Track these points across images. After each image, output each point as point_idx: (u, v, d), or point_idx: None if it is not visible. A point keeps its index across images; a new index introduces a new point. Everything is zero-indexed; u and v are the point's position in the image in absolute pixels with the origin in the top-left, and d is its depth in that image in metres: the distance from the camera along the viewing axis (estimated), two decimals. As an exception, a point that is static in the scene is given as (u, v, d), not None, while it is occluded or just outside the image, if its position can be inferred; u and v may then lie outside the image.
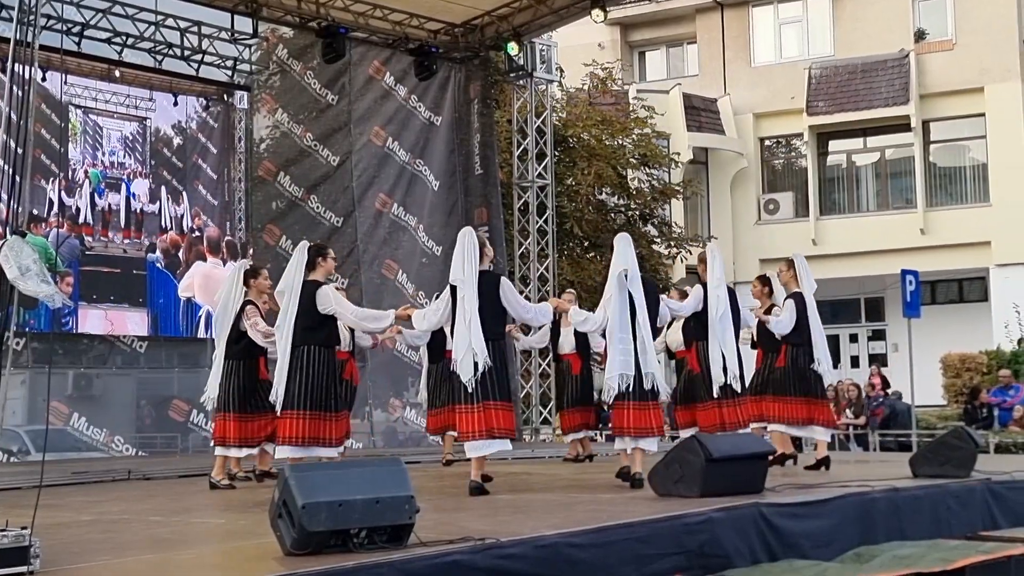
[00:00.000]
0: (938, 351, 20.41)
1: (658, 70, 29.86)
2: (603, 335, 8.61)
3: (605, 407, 11.39)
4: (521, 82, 17.62)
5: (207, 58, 15.78)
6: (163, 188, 15.32)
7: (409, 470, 5.45)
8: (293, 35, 16.22)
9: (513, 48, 16.89)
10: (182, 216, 15.48)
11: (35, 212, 13.66)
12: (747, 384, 9.64)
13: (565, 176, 20.77)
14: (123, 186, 14.96)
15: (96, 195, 14.65)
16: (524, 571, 5.13)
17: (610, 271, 8.49)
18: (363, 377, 12.93)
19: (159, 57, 15.43)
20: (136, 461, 13.51)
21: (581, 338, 11.06)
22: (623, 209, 22.61)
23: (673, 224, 23.55)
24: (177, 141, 15.57)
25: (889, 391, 18.21)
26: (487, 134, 17.46)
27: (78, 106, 14.51)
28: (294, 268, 8.49)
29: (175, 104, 15.48)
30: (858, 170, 27.07)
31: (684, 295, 10.00)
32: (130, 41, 15.07)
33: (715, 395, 9.27)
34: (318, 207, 16.32)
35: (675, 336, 10.22)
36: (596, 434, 17.07)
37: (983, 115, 25.10)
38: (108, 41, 14.89)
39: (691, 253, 22.04)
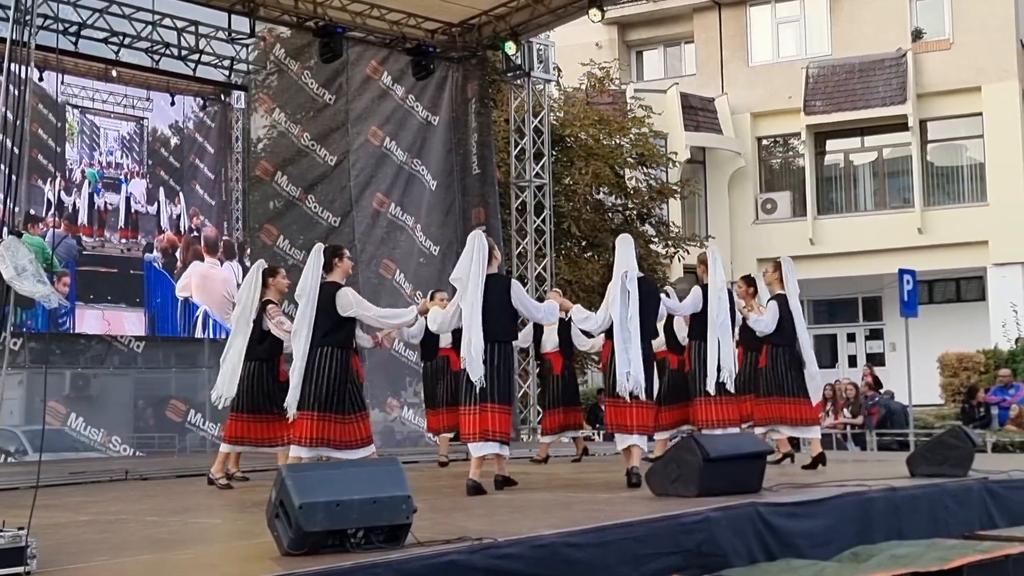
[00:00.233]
0: (936, 350, 20.43)
1: (655, 69, 29.87)
2: (607, 335, 8.69)
3: (602, 406, 11.35)
4: (519, 81, 17.63)
5: (204, 58, 15.77)
6: (160, 188, 15.31)
7: (406, 470, 5.45)
8: (290, 35, 16.21)
9: (510, 48, 16.89)
10: (179, 216, 15.46)
11: (32, 212, 13.64)
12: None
13: (563, 176, 20.78)
14: (120, 186, 14.94)
15: (93, 195, 14.64)
16: (521, 571, 5.13)
17: (614, 272, 8.60)
18: (362, 377, 12.95)
19: (156, 57, 15.41)
20: (133, 461, 13.50)
21: (564, 337, 11.05)
22: (621, 208, 22.61)
23: (671, 224, 23.56)
24: (174, 141, 15.55)
25: (881, 391, 18.21)
26: (485, 134, 17.46)
27: (75, 106, 14.50)
28: (311, 270, 8.48)
29: (172, 104, 15.46)
30: (855, 169, 27.09)
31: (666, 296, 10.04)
32: (127, 41, 15.05)
33: (712, 393, 9.35)
34: (315, 207, 16.32)
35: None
36: (594, 433, 17.10)
37: (980, 114, 25.13)
38: (105, 41, 14.87)
39: (688, 253, 22.04)
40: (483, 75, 17.62)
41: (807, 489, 7.37)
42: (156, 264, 15.14)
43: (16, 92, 9.39)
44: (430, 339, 10.97)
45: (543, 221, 17.46)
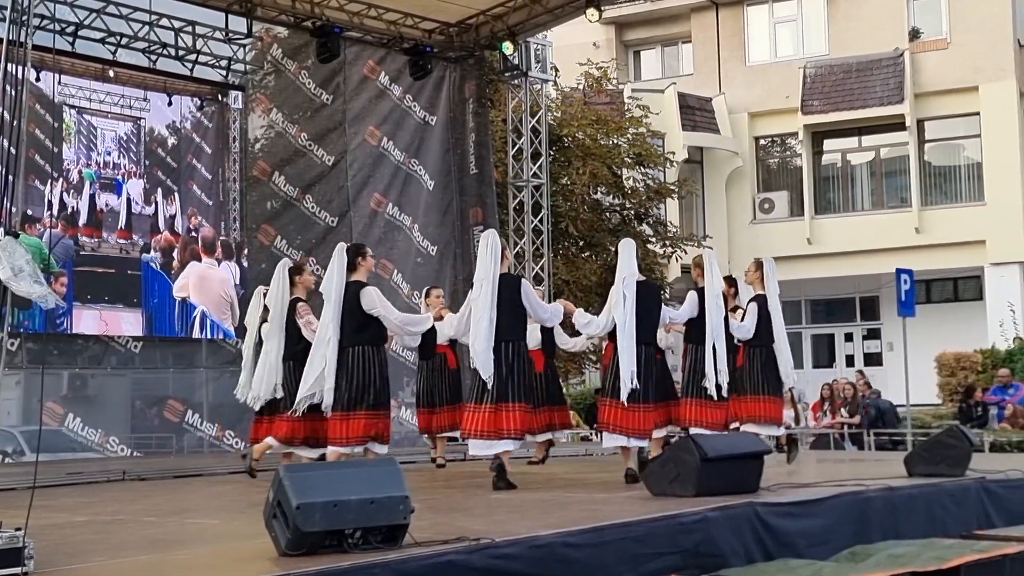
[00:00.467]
0: (933, 350, 20.45)
1: (653, 69, 29.89)
2: (609, 336, 8.84)
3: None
4: (516, 81, 17.62)
5: (201, 58, 15.75)
6: (158, 188, 15.29)
7: (404, 470, 5.45)
8: (287, 35, 16.20)
9: (508, 47, 16.87)
10: (177, 216, 15.45)
11: (29, 213, 13.62)
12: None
13: (560, 175, 20.78)
14: (117, 186, 14.93)
15: (90, 195, 14.62)
16: (519, 571, 5.13)
17: (616, 275, 8.74)
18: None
19: (153, 57, 15.40)
20: (131, 462, 13.49)
21: (547, 335, 11.06)
22: (618, 208, 22.62)
23: (668, 223, 23.57)
24: (171, 141, 15.54)
25: (868, 391, 18.22)
26: (482, 134, 17.45)
27: (72, 106, 14.48)
28: (335, 270, 8.52)
29: (169, 104, 15.45)
30: (853, 169, 27.11)
31: None
32: (124, 41, 15.03)
33: (714, 396, 9.44)
34: (313, 207, 16.31)
35: None
36: (592, 433, 17.10)
37: (977, 114, 25.16)
38: (102, 41, 14.85)
39: (686, 252, 22.06)
40: (480, 75, 17.61)
41: (805, 489, 7.38)
42: (153, 264, 15.12)
43: (13, 92, 9.37)
44: (427, 336, 10.96)
45: (540, 221, 17.45)
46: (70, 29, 14.38)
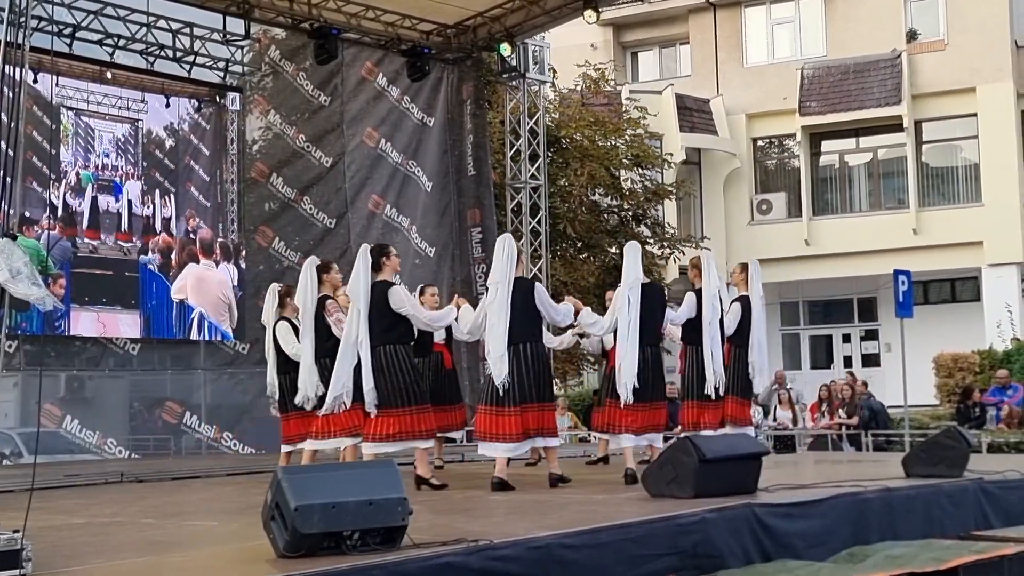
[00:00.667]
0: (931, 351, 20.46)
1: (651, 71, 29.90)
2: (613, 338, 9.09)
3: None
4: (514, 83, 17.62)
5: (199, 59, 15.75)
6: (155, 190, 15.28)
7: (402, 471, 5.45)
8: (285, 36, 16.20)
9: (506, 49, 16.88)
10: (174, 218, 15.45)
11: (27, 214, 13.60)
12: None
13: (558, 177, 20.78)
14: (115, 188, 14.92)
15: (88, 197, 14.61)
16: (518, 572, 5.13)
17: (623, 278, 8.91)
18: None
19: (151, 59, 15.39)
20: (129, 463, 13.49)
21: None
22: (616, 210, 22.62)
23: (666, 225, 23.57)
24: (169, 143, 15.53)
25: (863, 391, 18.23)
26: (480, 135, 17.46)
27: (70, 108, 14.47)
28: (361, 272, 8.55)
29: (167, 106, 15.44)
30: (851, 170, 27.12)
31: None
32: (122, 43, 15.03)
33: (712, 397, 9.57)
34: (311, 208, 16.31)
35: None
36: (590, 434, 17.08)
37: (975, 115, 25.17)
38: (100, 43, 14.85)
39: (684, 254, 22.06)
40: (478, 76, 17.62)
41: (803, 490, 7.38)
42: (151, 266, 15.11)
43: (10, 94, 9.38)
44: (423, 337, 10.95)
45: (538, 222, 17.45)
46: (68, 31, 14.37)
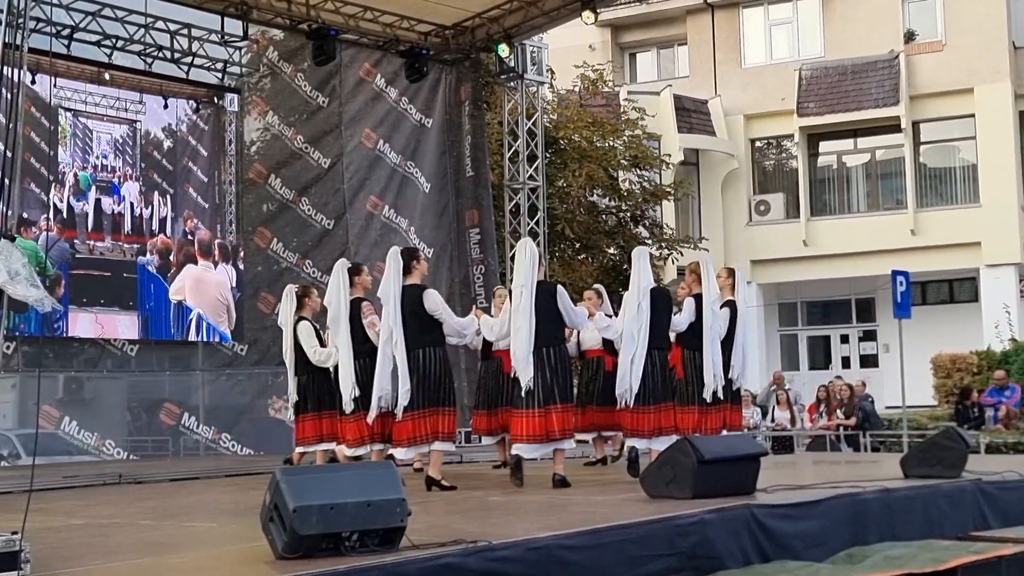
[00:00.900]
0: (929, 351, 20.47)
1: (649, 71, 29.90)
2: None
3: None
4: (512, 84, 17.62)
5: (197, 60, 15.74)
6: (154, 191, 15.27)
7: (400, 473, 5.45)
8: (283, 37, 16.21)
9: (504, 50, 16.89)
10: (173, 219, 15.44)
11: (25, 216, 13.60)
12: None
13: (556, 178, 20.78)
14: (113, 189, 14.91)
15: (86, 198, 14.61)
16: (516, 573, 5.13)
17: (635, 284, 9.15)
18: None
19: (149, 60, 15.38)
20: (127, 465, 13.48)
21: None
22: (614, 211, 22.62)
23: (664, 225, 23.58)
24: (167, 144, 15.52)
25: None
26: (478, 136, 17.46)
27: (68, 109, 14.46)
28: (392, 275, 8.64)
29: (165, 107, 15.43)
30: (848, 171, 27.14)
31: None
32: (120, 44, 15.02)
33: (709, 401, 9.69)
34: (309, 209, 16.31)
35: (590, 335, 10.56)
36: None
37: (973, 116, 25.19)
38: (98, 44, 14.84)
39: (682, 255, 22.06)
40: (476, 77, 17.62)
41: (801, 491, 7.38)
42: (149, 267, 15.11)
43: (9, 95, 9.38)
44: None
45: (537, 223, 17.46)
46: (66, 32, 14.37)
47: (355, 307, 9.22)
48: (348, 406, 9.18)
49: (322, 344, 10.03)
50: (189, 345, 15.55)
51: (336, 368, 9.59)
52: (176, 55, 15.47)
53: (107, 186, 14.87)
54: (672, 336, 9.84)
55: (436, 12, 16.29)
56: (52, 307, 7.55)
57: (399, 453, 8.61)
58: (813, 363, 27.47)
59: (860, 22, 26.22)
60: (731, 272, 10.56)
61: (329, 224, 16.40)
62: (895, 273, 15.40)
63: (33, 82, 13.44)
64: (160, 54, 15.35)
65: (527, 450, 8.46)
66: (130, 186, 15.08)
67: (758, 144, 27.90)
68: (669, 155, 24.75)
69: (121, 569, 5.21)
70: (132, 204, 15.05)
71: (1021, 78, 25.34)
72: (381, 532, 5.09)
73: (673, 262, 22.70)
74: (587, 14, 15.86)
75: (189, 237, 15.56)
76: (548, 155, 19.25)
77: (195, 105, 15.84)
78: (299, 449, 10.14)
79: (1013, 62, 25.14)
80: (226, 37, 15.57)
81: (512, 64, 17.26)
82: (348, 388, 9.13)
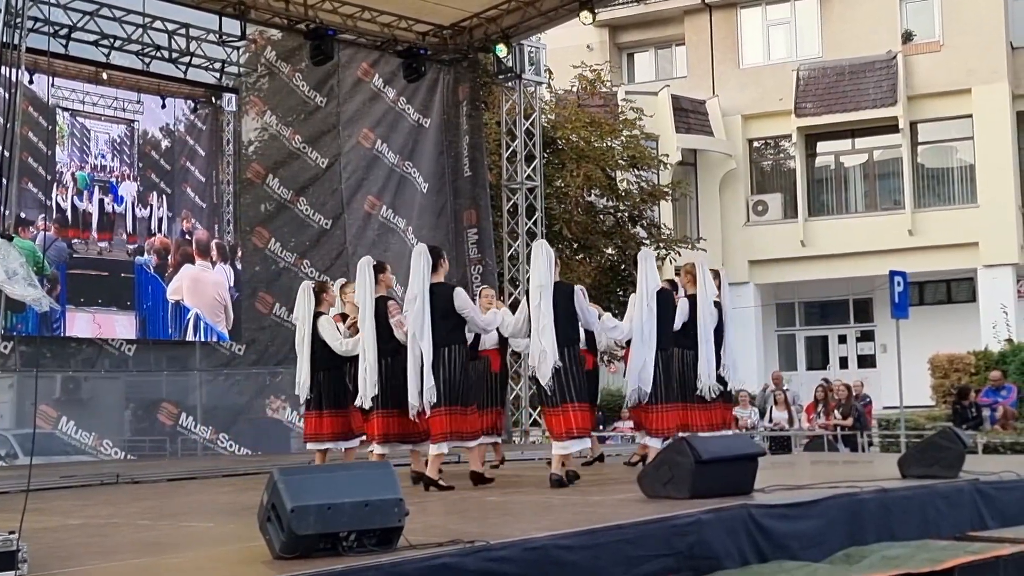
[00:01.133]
0: (926, 352, 20.47)
1: (647, 72, 29.90)
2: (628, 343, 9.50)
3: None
4: (510, 84, 17.62)
5: (195, 60, 15.72)
6: (151, 191, 15.26)
7: (398, 472, 5.45)
8: (281, 37, 16.20)
9: (502, 50, 16.89)
10: (170, 219, 15.43)
11: (22, 215, 13.59)
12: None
13: (554, 178, 20.78)
14: (111, 189, 14.91)
15: (83, 198, 14.60)
16: (514, 573, 5.13)
17: (642, 286, 9.24)
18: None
19: (147, 59, 15.36)
20: (125, 465, 13.48)
21: (502, 335, 11.12)
22: (612, 211, 22.62)
23: (662, 226, 23.57)
24: (165, 144, 15.51)
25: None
26: (476, 136, 17.46)
27: (65, 109, 14.45)
28: (421, 273, 8.73)
29: (163, 106, 15.42)
30: (846, 171, 27.15)
31: None
32: (118, 43, 15.01)
33: (707, 399, 9.87)
34: (307, 209, 16.30)
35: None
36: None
37: (970, 116, 25.20)
38: (95, 44, 14.83)
39: (680, 255, 22.06)
40: (474, 77, 17.62)
41: (799, 491, 7.38)
42: (147, 267, 15.10)
43: (6, 95, 9.38)
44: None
45: (534, 223, 17.46)
46: (63, 32, 14.35)
47: (380, 305, 9.22)
48: (368, 403, 9.16)
49: None
50: (187, 345, 15.54)
51: (348, 364, 9.65)
52: (174, 55, 15.46)
53: (105, 186, 14.86)
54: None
55: (434, 12, 16.29)
56: (50, 307, 7.54)
57: (434, 449, 8.70)
58: (811, 363, 27.48)
59: (858, 22, 26.23)
60: (716, 273, 10.65)
61: (327, 224, 16.40)
62: (893, 273, 15.41)
63: (31, 82, 13.43)
64: (158, 54, 15.33)
65: (560, 447, 8.61)
66: (128, 186, 15.07)
67: (756, 144, 27.91)
68: (667, 155, 24.75)
69: (119, 569, 5.21)
70: (130, 204, 15.04)
71: (1019, 78, 25.36)
72: (379, 532, 5.09)
73: (671, 262, 22.70)
74: (585, 14, 15.86)
75: (187, 237, 15.55)
76: (546, 155, 19.25)
77: (193, 105, 15.83)
78: (314, 446, 10.02)
79: (1011, 62, 25.16)
80: (224, 37, 15.57)
81: (510, 64, 17.27)
82: (371, 385, 9.10)
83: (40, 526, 6.42)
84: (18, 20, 10.04)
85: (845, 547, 6.66)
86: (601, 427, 17.31)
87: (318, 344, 9.81)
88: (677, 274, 11.30)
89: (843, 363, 26.98)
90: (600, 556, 5.54)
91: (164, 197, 15.40)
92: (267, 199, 16.24)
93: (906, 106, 25.29)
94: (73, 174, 14.55)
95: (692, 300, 9.87)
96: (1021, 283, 25.21)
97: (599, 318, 9.65)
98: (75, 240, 14.46)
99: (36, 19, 13.42)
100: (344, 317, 10.06)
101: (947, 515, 7.70)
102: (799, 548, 6.48)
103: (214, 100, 16.10)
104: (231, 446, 15.31)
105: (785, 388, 18.72)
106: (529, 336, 8.88)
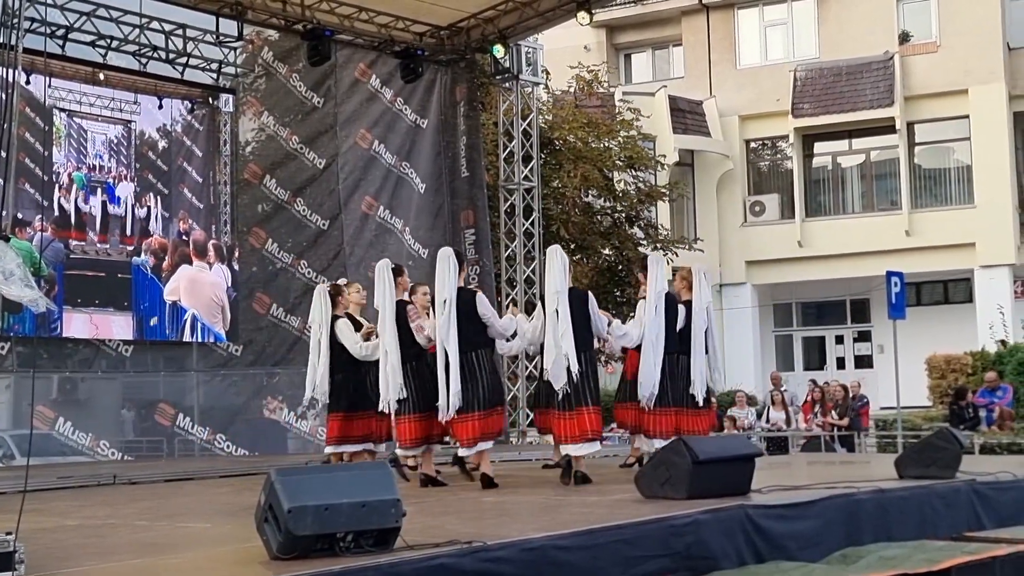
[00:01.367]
0: (923, 352, 20.48)
1: (644, 72, 29.91)
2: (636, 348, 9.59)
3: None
4: (507, 84, 17.62)
5: (192, 61, 15.71)
6: (148, 191, 15.25)
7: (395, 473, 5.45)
8: (278, 38, 16.19)
9: (499, 50, 16.89)
10: (168, 219, 15.42)
11: (19, 216, 13.59)
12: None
13: (551, 178, 20.78)
14: (108, 189, 14.90)
15: (80, 199, 14.59)
16: (511, 574, 5.14)
17: (651, 290, 9.41)
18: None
19: (144, 60, 15.36)
20: (122, 465, 13.48)
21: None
22: (609, 211, 22.62)
23: (659, 226, 23.56)
24: (162, 144, 15.51)
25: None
26: (473, 136, 17.45)
27: (62, 109, 14.44)
28: (448, 276, 8.75)
29: (160, 107, 15.41)
30: (843, 172, 27.17)
31: None
32: (115, 44, 15.00)
33: (700, 405, 9.93)
34: (304, 210, 16.30)
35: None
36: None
37: (967, 117, 25.22)
38: (92, 44, 14.82)
39: (677, 255, 22.07)
40: (472, 78, 17.61)
41: (796, 491, 7.39)
42: (144, 268, 15.09)
43: (3, 96, 9.36)
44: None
45: (532, 224, 17.46)
46: (60, 32, 14.34)
47: (401, 309, 9.21)
48: (394, 405, 9.16)
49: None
50: (184, 346, 15.54)
51: (365, 367, 9.68)
52: (171, 55, 15.45)
53: (101, 186, 14.85)
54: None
55: (431, 13, 16.28)
56: (47, 308, 7.54)
57: (463, 451, 8.80)
58: (808, 364, 27.50)
59: (855, 23, 26.25)
60: (697, 274, 10.74)
61: (324, 225, 16.40)
62: (890, 274, 15.42)
63: (28, 82, 13.42)
64: (155, 54, 15.33)
65: (574, 449, 8.73)
66: (125, 187, 15.06)
67: (753, 145, 27.93)
68: (664, 156, 24.76)
69: (116, 570, 5.21)
70: (127, 205, 15.03)
71: (1015, 79, 25.39)
72: (376, 533, 5.09)
73: (668, 263, 22.70)
74: (582, 15, 15.85)
75: (184, 237, 15.54)
76: (543, 156, 19.24)
77: (190, 105, 15.82)
78: (330, 449, 9.99)
79: (1007, 63, 25.18)
80: (221, 37, 15.56)
81: (507, 65, 17.27)
82: (396, 390, 9.09)
83: (37, 527, 6.42)
84: (14, 20, 10.02)
85: (842, 547, 6.67)
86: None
87: (336, 347, 9.80)
88: (672, 277, 11.30)
89: (840, 363, 27.00)
90: (598, 556, 5.54)
91: (161, 198, 15.39)
92: (264, 200, 16.24)
93: (903, 107, 25.31)
94: (70, 175, 14.54)
95: (688, 305, 9.92)
96: (1018, 283, 25.24)
97: (608, 325, 9.74)
98: (72, 241, 14.45)
99: (33, 19, 13.43)
100: (349, 317, 10.06)
101: (944, 515, 7.71)
102: (796, 548, 6.49)
103: (211, 101, 16.09)
104: (228, 447, 15.30)
105: (783, 389, 18.74)
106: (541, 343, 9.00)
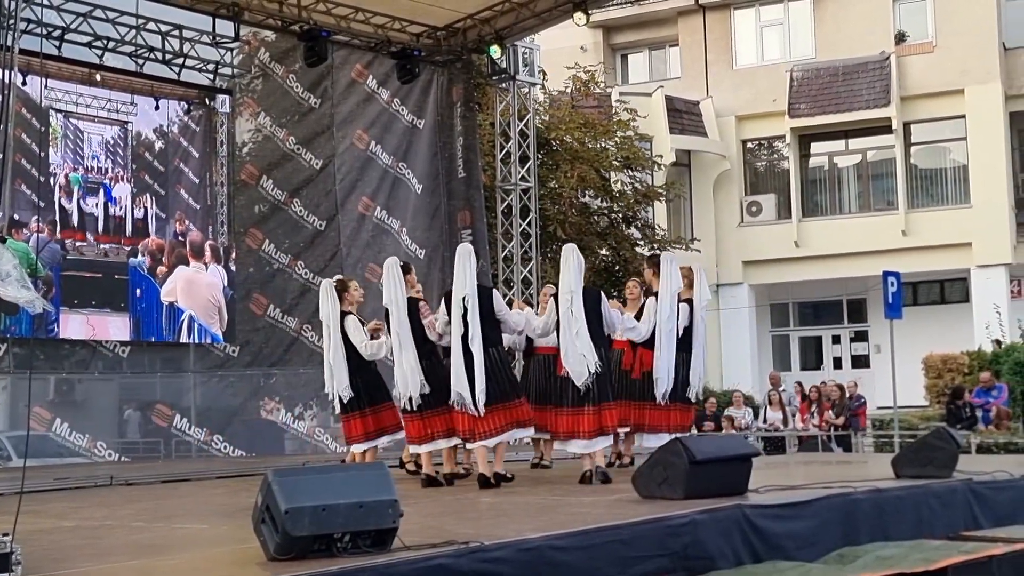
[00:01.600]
0: (920, 352, 20.50)
1: (640, 73, 29.91)
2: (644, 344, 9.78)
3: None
4: (504, 85, 17.63)
5: (188, 62, 15.70)
6: (145, 192, 15.25)
7: (392, 474, 5.45)
8: (275, 38, 16.19)
9: (496, 51, 16.89)
10: (164, 220, 15.42)
11: (16, 217, 13.58)
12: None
13: (548, 179, 20.79)
14: (104, 190, 14.89)
15: (77, 200, 14.58)
16: (508, 574, 5.14)
17: (665, 289, 9.58)
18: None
19: (140, 61, 15.35)
20: (119, 467, 13.46)
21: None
22: (606, 211, 22.64)
23: (656, 226, 23.59)
24: (159, 145, 15.50)
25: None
26: (470, 137, 17.46)
27: (59, 110, 14.42)
28: (468, 273, 8.87)
29: (156, 108, 15.40)
30: (840, 172, 27.17)
31: None
32: (111, 45, 14.99)
33: (692, 401, 10.18)
34: (301, 211, 16.30)
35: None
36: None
37: (963, 117, 25.23)
38: (89, 45, 14.80)
39: (674, 255, 22.05)
40: (468, 78, 17.62)
41: (793, 491, 7.39)
42: (141, 268, 15.08)
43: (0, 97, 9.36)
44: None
45: (528, 224, 17.47)
46: (56, 33, 14.32)
47: (413, 306, 9.22)
48: (408, 403, 9.14)
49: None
50: (181, 346, 15.53)
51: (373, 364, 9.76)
52: (167, 56, 15.44)
53: (98, 187, 14.83)
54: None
55: (428, 13, 16.28)
56: (43, 309, 7.52)
57: (488, 443, 8.85)
58: (805, 364, 27.51)
59: (851, 23, 26.26)
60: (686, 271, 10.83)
61: (321, 225, 16.39)
62: (886, 274, 15.43)
63: (24, 83, 13.41)
64: (151, 55, 15.31)
65: (584, 446, 8.83)
66: (121, 187, 15.05)
67: (750, 145, 27.93)
68: (661, 156, 24.76)
69: (113, 571, 5.21)
70: (123, 205, 15.02)
71: (1012, 79, 25.41)
72: (373, 533, 5.09)
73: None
74: (578, 15, 15.86)
75: (180, 238, 15.53)
76: (540, 156, 19.26)
77: (186, 106, 15.82)
78: (356, 448, 9.91)
79: (1003, 63, 25.20)
80: (217, 38, 15.54)
81: (504, 65, 17.27)
82: (414, 386, 9.08)
83: (34, 528, 6.41)
84: (11, 21, 10.02)
85: (839, 547, 6.67)
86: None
87: (350, 344, 9.77)
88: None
89: (837, 363, 27.00)
90: (595, 557, 5.54)
91: (158, 199, 15.38)
92: (261, 200, 16.23)
93: (899, 107, 25.32)
94: (67, 176, 14.52)
95: (689, 304, 9.98)
96: (1014, 283, 25.26)
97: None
98: (69, 242, 14.44)
99: (29, 20, 13.41)
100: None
101: (941, 515, 7.72)
102: (793, 548, 6.49)
103: (208, 101, 16.08)
104: (225, 448, 15.29)
105: (782, 389, 18.75)
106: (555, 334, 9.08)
